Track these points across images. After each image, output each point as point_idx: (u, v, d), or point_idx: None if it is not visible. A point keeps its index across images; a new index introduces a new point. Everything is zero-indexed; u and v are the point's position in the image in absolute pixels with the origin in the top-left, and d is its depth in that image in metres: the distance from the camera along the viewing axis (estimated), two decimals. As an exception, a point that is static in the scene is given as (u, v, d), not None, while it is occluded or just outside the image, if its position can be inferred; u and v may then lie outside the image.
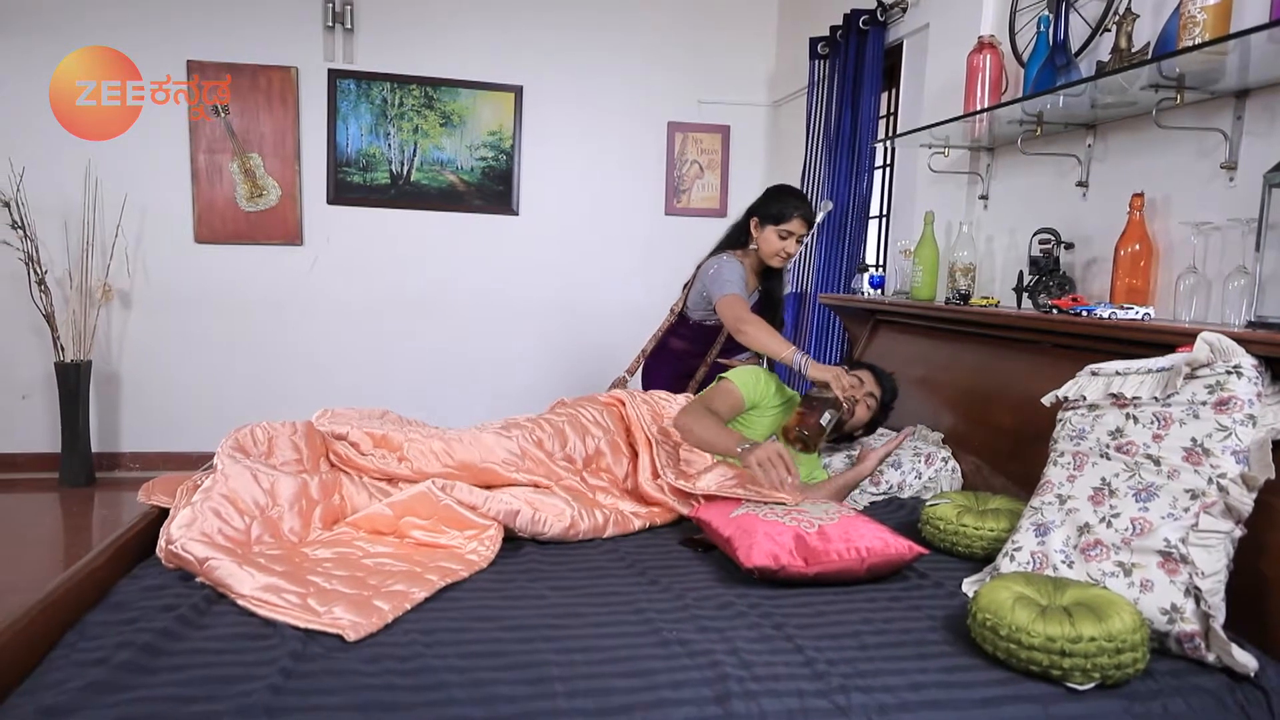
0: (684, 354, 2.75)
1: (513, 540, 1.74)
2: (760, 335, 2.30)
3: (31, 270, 3.74)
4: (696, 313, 2.70)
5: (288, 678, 1.13)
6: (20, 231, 3.71)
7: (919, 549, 1.59)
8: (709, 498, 1.88)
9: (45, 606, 1.30)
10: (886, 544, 1.57)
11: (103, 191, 3.91)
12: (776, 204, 2.53)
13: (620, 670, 1.19)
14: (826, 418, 2.03)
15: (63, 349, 3.82)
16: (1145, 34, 1.99)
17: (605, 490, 1.99)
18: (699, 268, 2.67)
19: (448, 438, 1.93)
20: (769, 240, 2.52)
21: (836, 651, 1.28)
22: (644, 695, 1.12)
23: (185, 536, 1.46)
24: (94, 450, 3.99)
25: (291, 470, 1.76)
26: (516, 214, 4.42)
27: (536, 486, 1.87)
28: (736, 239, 2.64)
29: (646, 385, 2.79)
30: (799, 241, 2.53)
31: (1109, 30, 2.12)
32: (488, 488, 1.87)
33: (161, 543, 1.52)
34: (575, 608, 1.42)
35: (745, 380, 2.22)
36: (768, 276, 2.68)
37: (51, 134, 3.78)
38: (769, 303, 2.69)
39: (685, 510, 1.93)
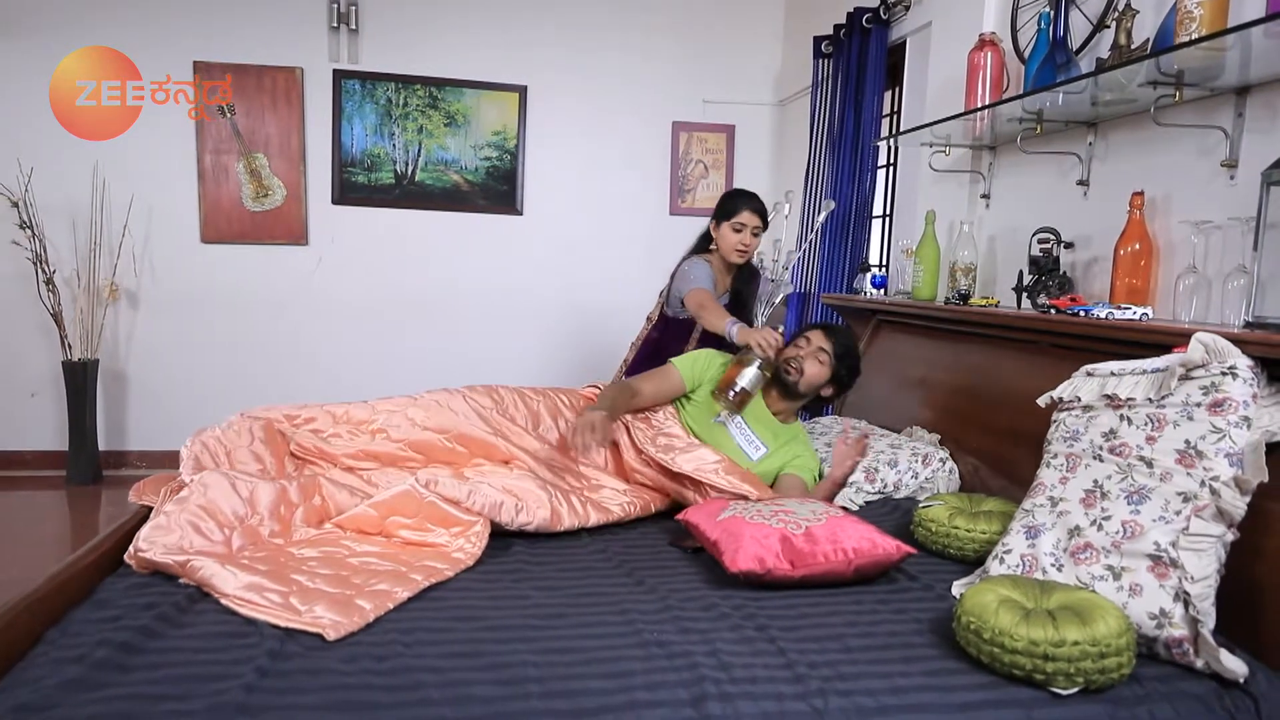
0: (670, 343, 2.80)
1: (502, 538, 1.74)
2: (710, 317, 2.40)
3: (39, 269, 3.77)
4: (673, 310, 2.78)
5: (263, 676, 1.13)
6: (28, 231, 3.74)
7: (907, 549, 1.57)
8: (692, 482, 1.93)
9: (30, 604, 1.30)
10: (874, 544, 1.55)
11: (110, 191, 3.93)
12: (728, 202, 2.65)
13: (597, 672, 1.18)
14: (748, 376, 2.12)
15: (70, 348, 3.85)
16: (1146, 30, 1.96)
17: (588, 465, 2.05)
18: (673, 274, 2.76)
19: (422, 403, 1.99)
20: (725, 236, 2.63)
21: (819, 654, 1.26)
22: (618, 697, 1.12)
23: (155, 550, 1.46)
24: (101, 448, 4.02)
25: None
26: (520, 214, 4.42)
27: (509, 463, 1.92)
28: (703, 246, 2.75)
29: None
30: (754, 234, 2.63)
31: (1109, 27, 2.10)
32: (468, 451, 1.94)
33: (131, 549, 1.50)
34: (559, 608, 1.41)
35: (684, 362, 2.27)
36: (737, 278, 2.76)
37: (59, 134, 3.80)
38: (739, 302, 2.76)
39: (670, 485, 1.98)
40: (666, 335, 2.79)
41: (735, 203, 2.62)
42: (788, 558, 1.51)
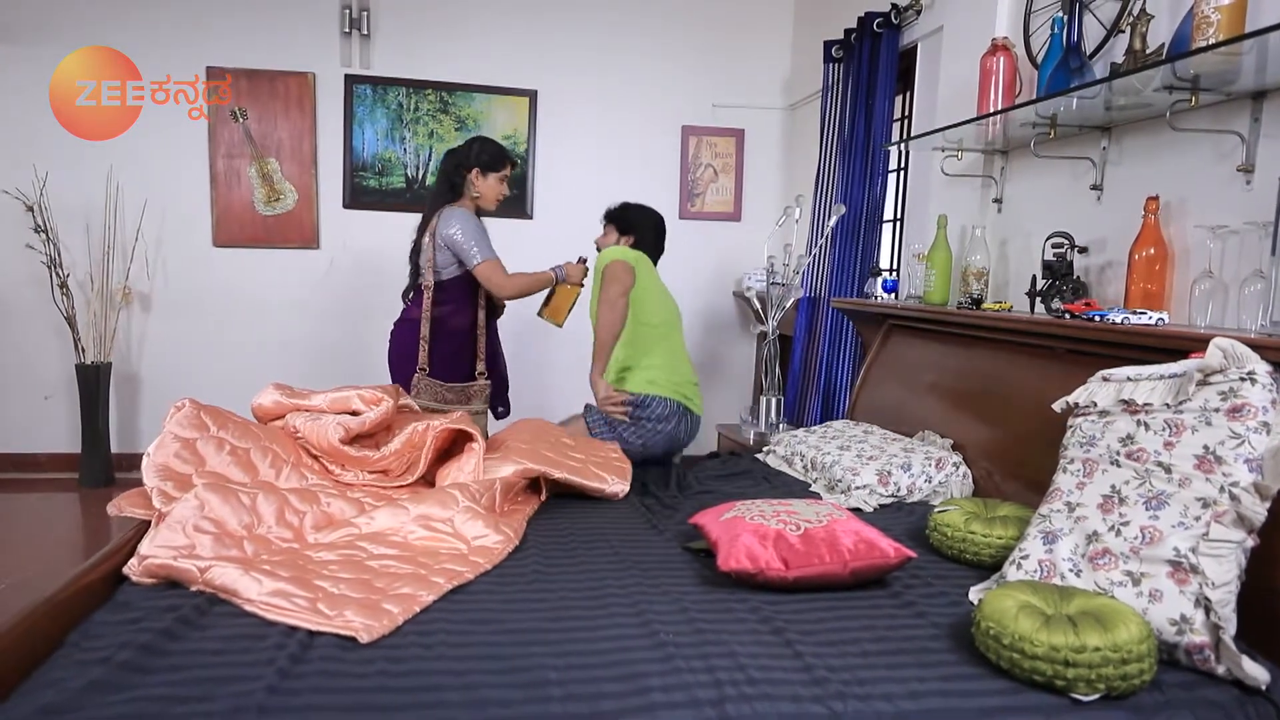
0: (454, 316, 2.80)
1: (519, 544, 1.74)
2: (522, 285, 2.77)
3: (54, 273, 3.80)
4: (447, 271, 2.77)
5: (284, 678, 1.13)
6: (43, 235, 3.77)
7: (906, 552, 1.56)
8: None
9: (50, 606, 1.31)
10: (871, 547, 1.53)
11: (123, 196, 3.96)
12: (497, 154, 2.82)
13: (614, 675, 1.18)
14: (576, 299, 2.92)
15: (83, 351, 3.88)
16: (1161, 35, 1.96)
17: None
18: (432, 233, 2.73)
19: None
20: (493, 187, 2.82)
21: (837, 658, 1.26)
22: (635, 700, 1.12)
23: (165, 555, 1.45)
24: (114, 451, 4.03)
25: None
26: (531, 218, 4.43)
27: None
28: (448, 193, 2.79)
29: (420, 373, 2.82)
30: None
31: (1123, 31, 2.09)
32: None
33: (132, 561, 1.49)
34: (575, 611, 1.41)
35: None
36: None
37: (73, 139, 3.83)
38: None
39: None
40: (451, 304, 2.75)
41: (501, 155, 2.83)
42: (781, 557, 1.50)
